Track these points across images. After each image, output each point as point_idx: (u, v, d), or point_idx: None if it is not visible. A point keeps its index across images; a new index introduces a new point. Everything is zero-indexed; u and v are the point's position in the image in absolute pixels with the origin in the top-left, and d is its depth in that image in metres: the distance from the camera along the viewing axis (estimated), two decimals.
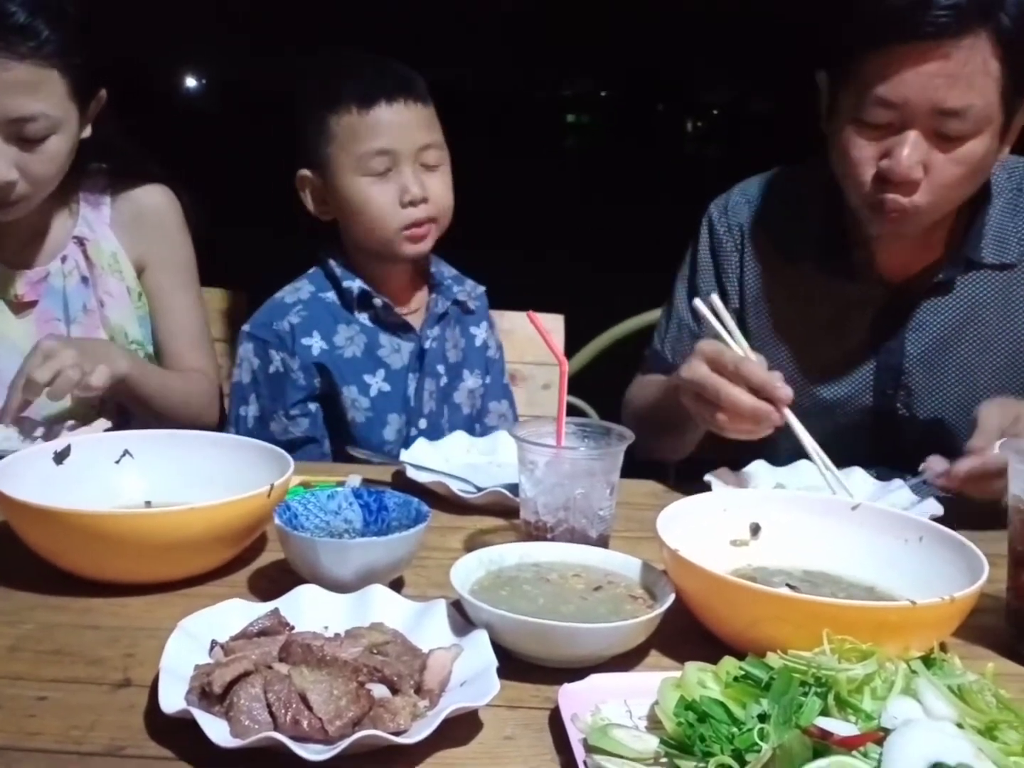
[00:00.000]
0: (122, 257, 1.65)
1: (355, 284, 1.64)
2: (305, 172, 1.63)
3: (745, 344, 1.31)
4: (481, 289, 1.82)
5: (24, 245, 1.60)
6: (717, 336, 1.31)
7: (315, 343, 1.61)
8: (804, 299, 1.57)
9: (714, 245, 1.64)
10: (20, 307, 1.59)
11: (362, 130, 1.56)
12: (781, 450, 1.39)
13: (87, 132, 1.54)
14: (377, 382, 1.64)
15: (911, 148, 1.31)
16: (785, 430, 1.29)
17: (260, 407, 1.62)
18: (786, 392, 1.26)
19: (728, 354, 1.29)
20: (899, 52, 1.28)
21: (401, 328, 1.67)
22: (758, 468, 1.38)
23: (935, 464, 1.27)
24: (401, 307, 1.69)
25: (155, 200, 1.68)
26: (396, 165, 1.57)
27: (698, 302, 1.34)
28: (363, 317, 1.65)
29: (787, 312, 1.58)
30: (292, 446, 1.57)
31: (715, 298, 1.34)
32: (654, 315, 2.28)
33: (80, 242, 1.63)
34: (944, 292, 1.51)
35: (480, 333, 1.79)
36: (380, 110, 1.55)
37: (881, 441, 1.53)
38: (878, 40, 1.30)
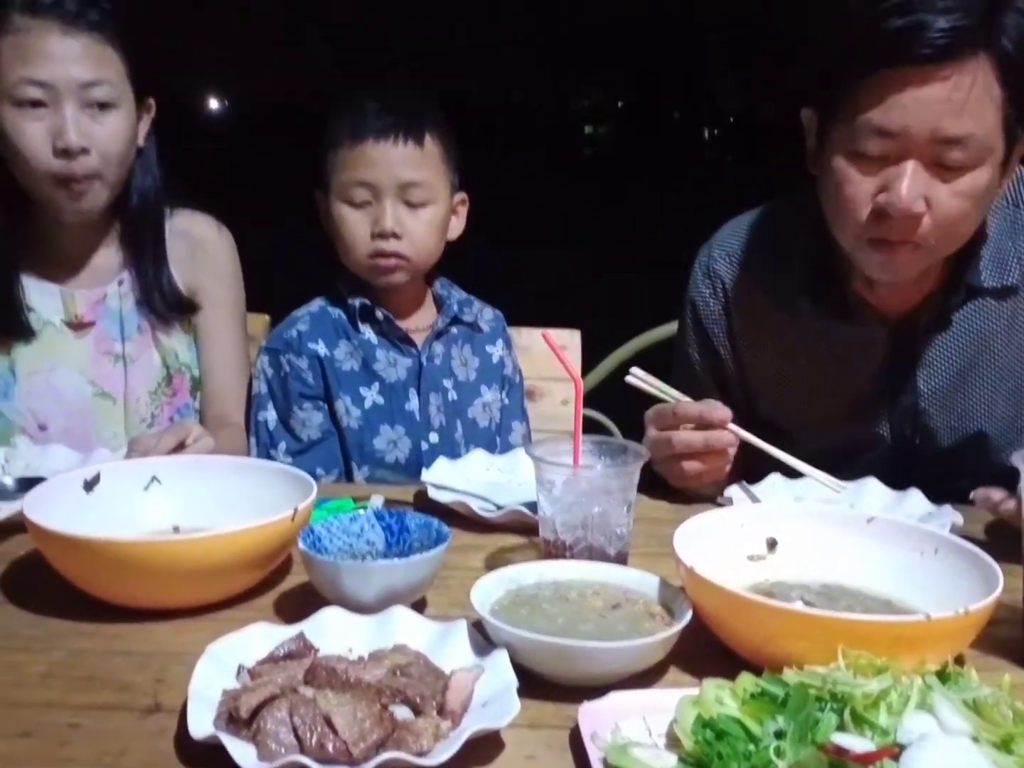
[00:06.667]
0: (175, 282, 1.72)
1: (358, 299, 1.72)
2: (318, 192, 1.73)
3: (677, 394, 1.38)
4: (492, 314, 1.87)
5: (82, 268, 1.68)
6: (655, 399, 1.38)
7: (320, 348, 1.70)
8: (802, 347, 1.52)
9: (698, 314, 1.61)
10: (79, 327, 1.67)
11: (349, 161, 1.65)
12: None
13: (141, 140, 1.63)
14: (372, 395, 1.71)
15: (911, 179, 1.24)
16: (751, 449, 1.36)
17: (277, 411, 1.71)
18: (723, 413, 1.33)
19: (664, 408, 1.36)
20: (897, 77, 1.21)
21: (403, 341, 1.74)
22: (775, 481, 1.39)
23: (984, 493, 1.25)
24: (406, 323, 1.76)
25: (210, 234, 1.76)
26: (376, 198, 1.65)
27: (628, 379, 1.40)
28: (367, 331, 1.73)
29: (787, 362, 1.54)
30: (312, 443, 1.68)
31: (636, 370, 1.40)
32: (673, 327, 2.30)
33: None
34: (947, 325, 1.46)
35: (496, 351, 1.84)
36: (367, 145, 1.63)
37: (899, 476, 1.47)
38: (874, 65, 1.22)
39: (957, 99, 1.21)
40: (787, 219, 1.56)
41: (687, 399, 1.37)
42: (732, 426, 1.33)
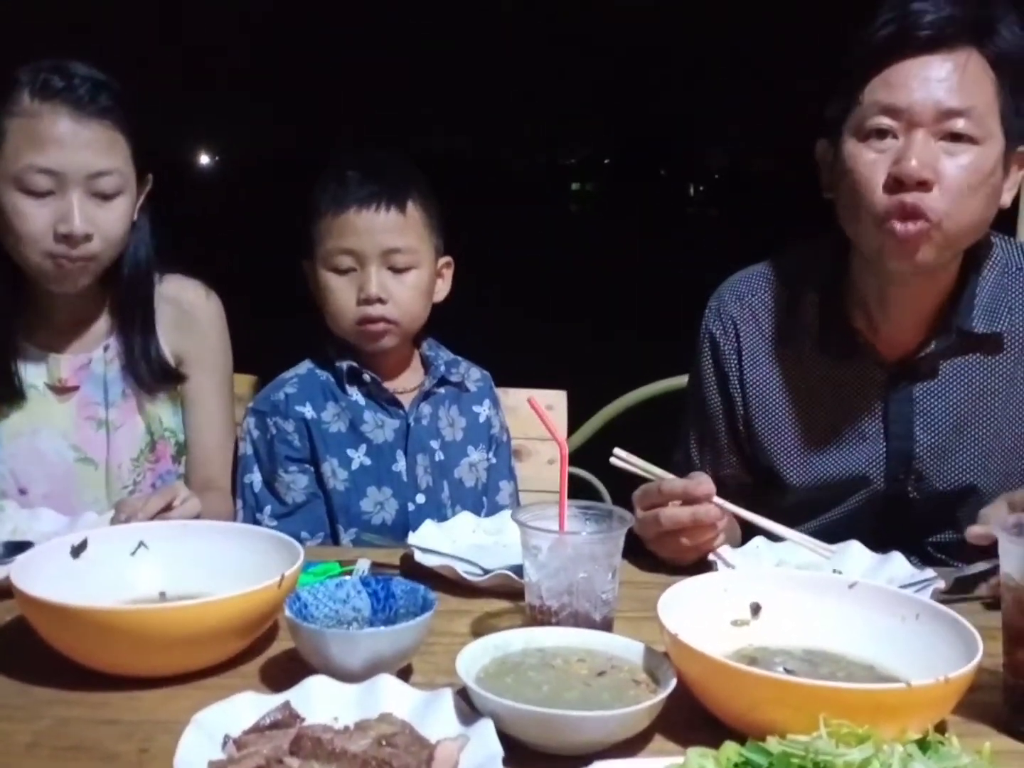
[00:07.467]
0: (162, 351, 1.71)
1: (345, 362, 1.74)
2: (305, 262, 1.75)
3: (661, 472, 1.41)
4: (479, 374, 1.89)
5: (69, 332, 1.67)
6: (641, 479, 1.42)
7: (307, 411, 1.71)
8: (805, 385, 1.58)
9: (715, 355, 1.65)
10: (62, 391, 1.66)
11: (334, 230, 1.68)
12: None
13: (135, 214, 1.62)
14: (359, 456, 1.72)
15: (921, 146, 1.33)
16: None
17: (263, 473, 1.72)
18: (707, 487, 1.36)
19: (650, 488, 1.39)
20: (900, 66, 1.35)
21: (391, 403, 1.75)
22: (759, 545, 1.41)
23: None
24: (393, 384, 1.78)
25: (198, 301, 1.75)
26: (361, 265, 1.68)
27: (612, 460, 1.43)
28: (355, 393, 1.74)
29: (790, 401, 1.59)
30: (297, 506, 1.69)
31: (619, 451, 1.43)
32: (661, 385, 2.31)
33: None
34: (937, 372, 1.51)
35: (483, 411, 1.85)
36: (350, 213, 1.67)
37: (888, 521, 1.54)
38: (879, 56, 1.37)
39: (955, 79, 1.35)
40: (796, 263, 1.63)
41: (671, 476, 1.40)
42: (717, 499, 1.36)
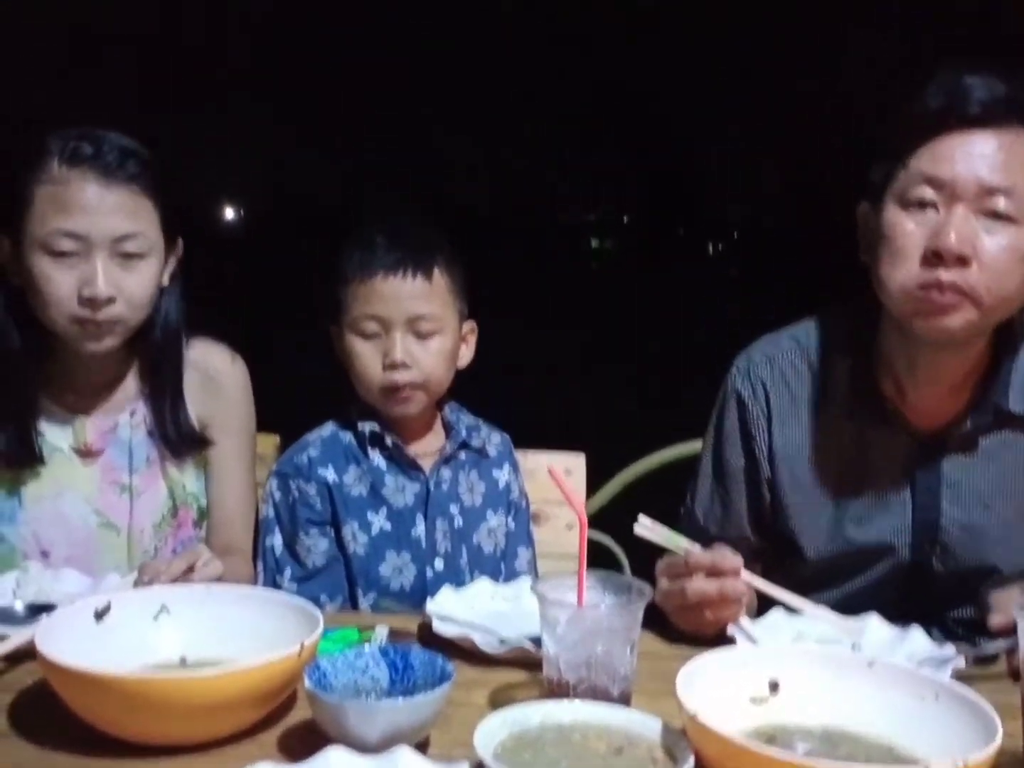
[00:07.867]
0: (189, 416, 1.72)
1: (367, 425, 1.75)
2: (332, 328, 1.77)
3: (686, 542, 1.40)
4: (500, 438, 1.89)
5: (96, 396, 1.68)
6: (664, 550, 1.41)
7: (329, 474, 1.72)
8: (834, 450, 1.57)
9: (741, 414, 1.64)
10: (87, 455, 1.67)
11: (360, 296, 1.70)
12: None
13: (166, 279, 1.65)
14: (379, 520, 1.73)
15: (960, 221, 1.34)
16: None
17: (283, 535, 1.72)
18: (733, 562, 1.35)
19: (676, 560, 1.39)
20: (946, 138, 1.36)
21: (412, 467, 1.76)
22: (777, 618, 1.40)
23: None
24: (415, 447, 1.78)
25: (223, 366, 1.77)
26: (386, 330, 1.70)
27: (636, 528, 1.41)
28: (376, 457, 1.75)
29: (818, 466, 1.58)
30: (317, 570, 1.70)
31: (644, 518, 1.41)
32: (680, 449, 2.32)
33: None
34: (973, 447, 1.50)
35: (503, 476, 1.86)
36: (376, 280, 1.68)
37: (910, 593, 1.53)
38: (928, 128, 1.38)
39: (1000, 156, 1.35)
40: (826, 326, 1.63)
41: (697, 547, 1.38)
42: (745, 573, 1.36)
